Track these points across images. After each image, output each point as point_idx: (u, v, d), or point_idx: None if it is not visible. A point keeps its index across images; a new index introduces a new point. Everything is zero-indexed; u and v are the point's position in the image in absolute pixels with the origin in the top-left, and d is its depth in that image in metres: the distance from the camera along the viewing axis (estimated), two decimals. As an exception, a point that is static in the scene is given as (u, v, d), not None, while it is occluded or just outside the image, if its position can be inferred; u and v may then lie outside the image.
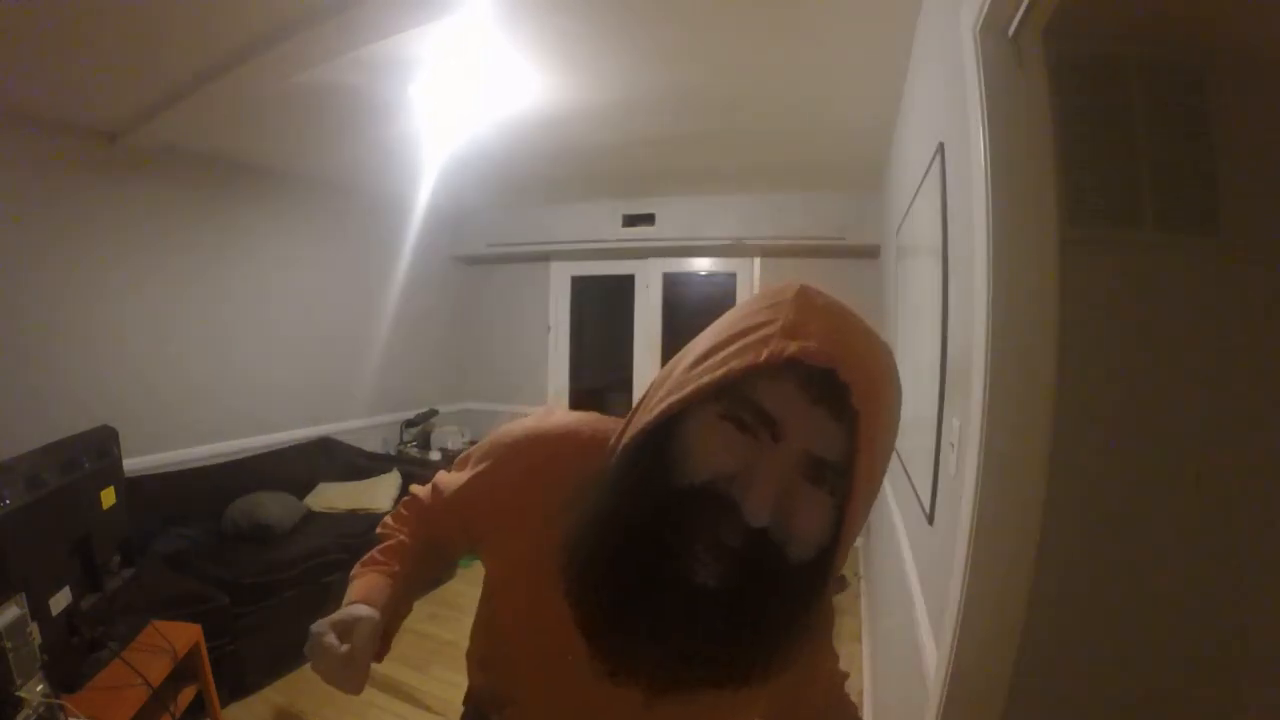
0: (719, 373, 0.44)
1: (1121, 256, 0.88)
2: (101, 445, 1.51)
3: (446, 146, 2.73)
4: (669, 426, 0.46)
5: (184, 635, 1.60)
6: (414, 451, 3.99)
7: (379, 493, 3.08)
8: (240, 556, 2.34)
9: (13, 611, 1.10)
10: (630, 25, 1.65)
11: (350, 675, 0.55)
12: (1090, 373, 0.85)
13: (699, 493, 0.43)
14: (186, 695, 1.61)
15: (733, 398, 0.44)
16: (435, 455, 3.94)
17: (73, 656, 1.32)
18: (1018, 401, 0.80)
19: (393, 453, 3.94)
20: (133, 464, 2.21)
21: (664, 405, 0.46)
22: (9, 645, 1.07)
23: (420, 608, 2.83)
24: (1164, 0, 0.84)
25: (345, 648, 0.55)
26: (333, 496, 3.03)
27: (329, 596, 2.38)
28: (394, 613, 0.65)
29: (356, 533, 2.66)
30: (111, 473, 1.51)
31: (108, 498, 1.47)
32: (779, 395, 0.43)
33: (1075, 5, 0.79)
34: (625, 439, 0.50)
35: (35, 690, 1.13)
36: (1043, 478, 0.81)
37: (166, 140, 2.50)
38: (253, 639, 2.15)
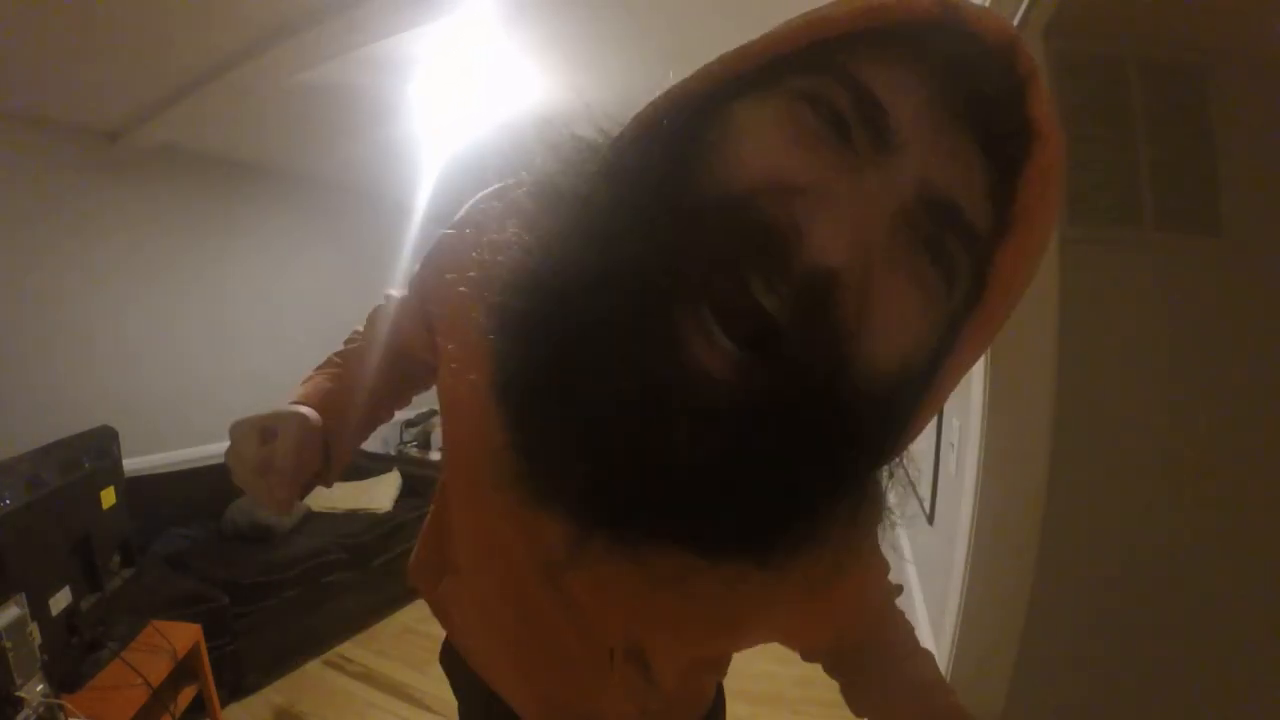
0: (814, 17, 0.27)
1: (1121, 256, 0.88)
2: (101, 445, 1.51)
3: (446, 146, 2.73)
4: (706, 108, 0.29)
5: (184, 635, 1.60)
6: (414, 451, 3.99)
7: (379, 493, 3.08)
8: (240, 556, 2.33)
9: (13, 611, 1.10)
10: (630, 25, 1.65)
11: (269, 485, 0.44)
12: (1090, 373, 0.85)
13: (734, 209, 0.25)
14: (186, 695, 1.61)
15: (830, 73, 0.27)
16: (435, 455, 3.94)
17: (73, 656, 1.32)
18: (1018, 401, 0.80)
19: (393, 452, 3.94)
20: (133, 464, 2.21)
21: (713, 64, 0.31)
22: (9, 645, 1.07)
23: (420, 607, 2.83)
24: (1164, 0, 0.84)
25: (264, 449, 0.45)
26: (333, 496, 3.02)
27: (329, 596, 2.39)
28: (339, 417, 0.52)
29: (357, 533, 2.65)
30: (111, 473, 1.51)
31: (108, 498, 1.47)
32: (903, 84, 0.25)
33: (1075, 5, 0.79)
34: (629, 125, 0.33)
35: (35, 690, 1.13)
36: (1043, 478, 0.81)
37: (166, 140, 2.49)
38: (253, 639, 2.15)
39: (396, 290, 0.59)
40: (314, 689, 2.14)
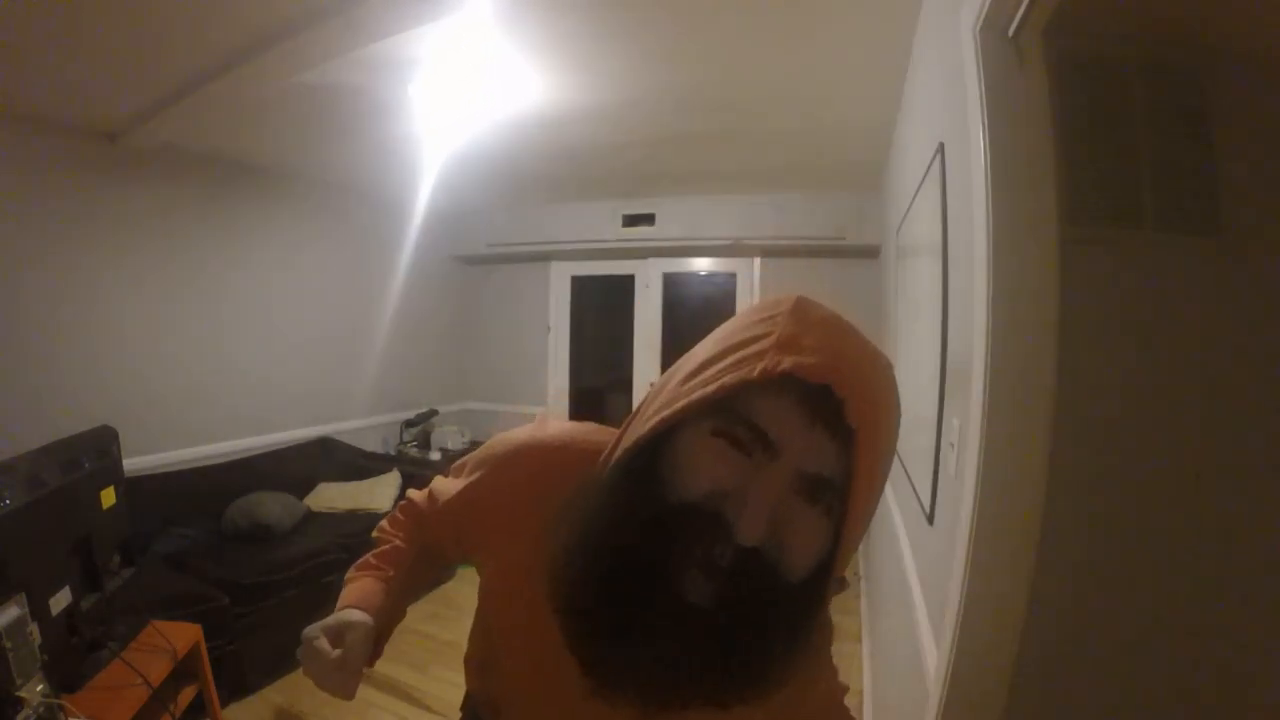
0: (712, 387, 0.43)
1: (1121, 256, 0.88)
2: (101, 445, 1.51)
3: (446, 146, 2.73)
4: (662, 442, 0.45)
5: (184, 635, 1.60)
6: (414, 451, 3.99)
7: (379, 493, 3.08)
8: (240, 556, 2.34)
9: (13, 611, 1.10)
10: (630, 25, 1.65)
11: (342, 680, 0.55)
12: (1090, 373, 0.85)
13: (691, 510, 0.42)
14: (186, 695, 1.61)
15: (727, 414, 0.43)
16: (435, 455, 3.94)
17: (73, 656, 1.32)
18: (1018, 401, 0.80)
19: (393, 453, 3.94)
20: (133, 464, 2.21)
21: (656, 420, 0.45)
22: (9, 645, 1.07)
23: (420, 607, 2.84)
24: (1164, 0, 0.84)
25: (337, 653, 0.55)
26: (333, 496, 3.03)
27: (329, 596, 2.35)
28: (388, 618, 0.65)
29: (356, 533, 2.66)
30: (111, 473, 1.51)
31: (108, 498, 1.47)
32: (774, 411, 0.42)
33: (1075, 5, 0.79)
34: (617, 454, 0.49)
35: (35, 690, 1.13)
36: (1043, 478, 0.81)
37: (166, 140, 2.49)
38: (253, 639, 2.15)
39: (416, 493, 0.73)
40: (314, 689, 2.14)
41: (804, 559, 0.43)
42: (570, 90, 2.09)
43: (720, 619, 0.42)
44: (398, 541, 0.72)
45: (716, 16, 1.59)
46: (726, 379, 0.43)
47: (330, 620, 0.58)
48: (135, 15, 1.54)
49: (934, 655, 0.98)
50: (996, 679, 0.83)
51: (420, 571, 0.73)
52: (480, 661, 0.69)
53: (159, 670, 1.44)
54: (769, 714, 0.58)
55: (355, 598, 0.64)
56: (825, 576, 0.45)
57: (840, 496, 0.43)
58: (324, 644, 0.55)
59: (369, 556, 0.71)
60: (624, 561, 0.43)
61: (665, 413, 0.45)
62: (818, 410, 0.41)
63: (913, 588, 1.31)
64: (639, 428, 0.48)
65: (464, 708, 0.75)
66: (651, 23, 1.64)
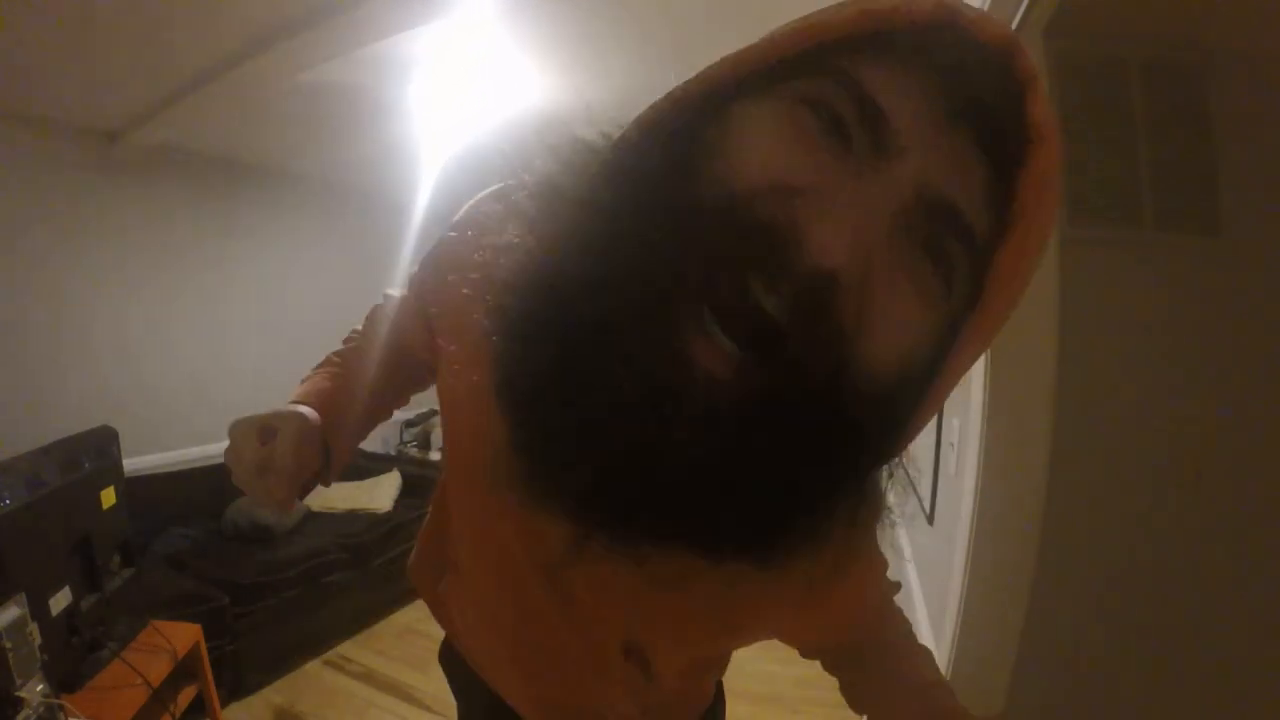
0: (814, 20, 0.28)
1: (1121, 256, 0.88)
2: (101, 445, 1.51)
3: (446, 146, 2.73)
4: (707, 109, 0.29)
5: (184, 635, 1.60)
6: (414, 451, 3.99)
7: (379, 493, 3.08)
8: (240, 556, 2.33)
9: (13, 611, 1.10)
10: (631, 25, 1.65)
11: (268, 485, 0.45)
12: (1090, 373, 0.86)
13: (736, 211, 0.25)
14: (186, 695, 1.61)
15: (831, 76, 0.27)
16: (435, 455, 3.94)
17: (73, 656, 1.32)
18: (1018, 401, 0.80)
19: (392, 453, 3.94)
20: (133, 464, 2.21)
21: (715, 69, 0.30)
22: (9, 645, 1.07)
23: (421, 607, 2.82)
24: (1164, 0, 0.84)
25: (263, 449, 0.45)
26: (332, 496, 3.02)
27: (329, 596, 2.39)
28: (345, 419, 0.53)
29: (356, 532, 2.65)
30: (111, 473, 1.51)
31: (108, 498, 1.47)
32: (903, 88, 0.26)
33: (1075, 5, 0.79)
34: (630, 129, 0.33)
35: (35, 690, 1.13)
36: (1043, 478, 0.81)
37: (166, 140, 2.49)
38: (253, 639, 2.15)
39: (396, 290, 0.59)
40: (314, 689, 2.14)
41: (894, 345, 0.27)
42: (570, 90, 2.09)
43: (745, 409, 0.25)
44: (360, 341, 0.61)
45: (717, 16, 1.59)
46: (848, 9, 0.27)
47: (262, 414, 0.48)
48: (135, 15, 1.54)
49: (934, 654, 0.98)
50: (996, 679, 0.83)
51: (388, 371, 0.59)
52: (429, 523, 0.59)
53: (159, 670, 1.44)
54: (785, 588, 0.40)
55: (301, 394, 0.53)
56: (917, 395, 0.29)
57: (977, 260, 0.27)
58: (248, 440, 0.45)
59: (330, 354, 0.61)
60: (605, 284, 0.26)
61: (729, 60, 0.30)
62: (974, 104, 0.25)
63: (913, 587, 1.31)
64: (673, 91, 0.31)
65: (441, 654, 0.68)
66: (652, 22, 1.64)
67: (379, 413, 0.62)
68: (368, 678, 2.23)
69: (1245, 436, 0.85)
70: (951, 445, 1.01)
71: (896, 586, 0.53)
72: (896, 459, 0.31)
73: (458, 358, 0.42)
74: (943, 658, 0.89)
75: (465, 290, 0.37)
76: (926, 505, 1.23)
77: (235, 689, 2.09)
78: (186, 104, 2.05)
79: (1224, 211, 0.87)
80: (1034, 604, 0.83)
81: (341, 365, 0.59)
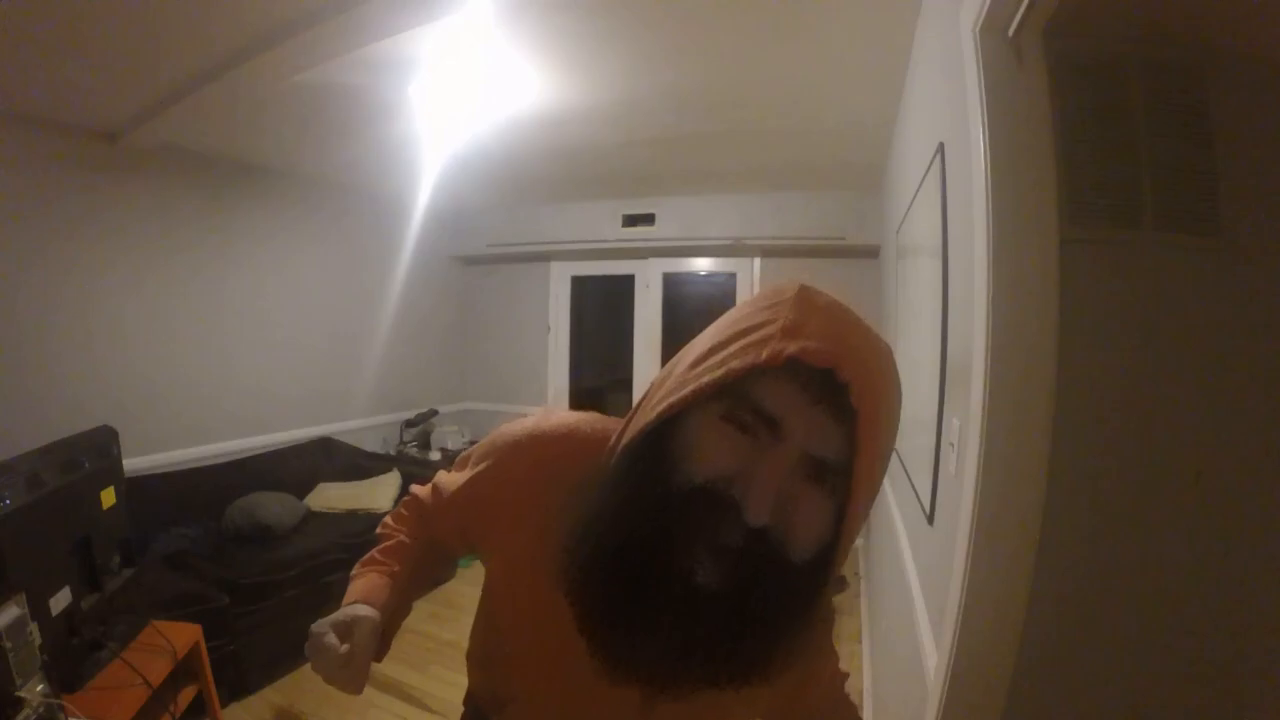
0: (719, 373, 0.44)
1: (1121, 256, 0.88)
2: (101, 445, 1.51)
3: (446, 146, 2.73)
4: (669, 427, 0.46)
5: (184, 635, 1.60)
6: (414, 451, 3.99)
7: (379, 493, 3.08)
8: (240, 556, 2.34)
9: (13, 611, 1.10)
10: (630, 25, 1.65)
11: (350, 675, 0.56)
12: (1090, 373, 0.85)
13: (699, 493, 0.43)
14: (186, 695, 1.61)
15: (733, 398, 0.44)
16: (435, 455, 3.95)
17: (73, 656, 1.32)
18: (1018, 401, 0.80)
19: (393, 453, 3.94)
20: (133, 464, 2.21)
21: (663, 405, 0.46)
22: (9, 645, 1.07)
23: (421, 607, 2.83)
24: (1164, 0, 0.84)
25: (345, 648, 0.55)
26: (333, 496, 3.03)
27: (329, 596, 2.38)
28: (394, 613, 0.65)
29: (356, 533, 2.66)
30: (111, 473, 1.51)
31: (108, 498, 1.47)
32: (779, 395, 0.43)
33: (1075, 5, 0.79)
34: (625, 439, 0.50)
35: (35, 690, 1.13)
36: (1043, 478, 0.81)
37: (166, 140, 2.50)
38: (253, 639, 2.15)
39: (421, 488, 0.73)
40: (314, 689, 2.14)
41: (809, 539, 0.44)
42: (570, 90, 2.09)
43: (729, 599, 0.42)
44: (402, 537, 0.72)
45: (717, 16, 1.59)
46: (734, 364, 0.44)
47: (338, 615, 0.59)
48: (135, 15, 1.54)
49: (934, 655, 0.98)
50: (996, 679, 0.83)
51: (425, 566, 0.73)
52: (484, 655, 0.69)
53: (159, 670, 1.44)
54: (773, 697, 0.60)
55: (362, 593, 0.64)
56: (830, 558, 0.46)
57: (844, 478, 0.44)
58: (333, 639, 0.56)
59: (374, 552, 0.71)
60: (632, 544, 0.44)
61: (672, 398, 0.46)
62: (822, 394, 0.42)
63: (913, 588, 1.31)
64: (646, 414, 0.48)
65: (466, 703, 0.75)
66: (652, 22, 1.64)
67: (416, 596, 0.75)
68: (371, 675, 2.23)
69: (1245, 437, 0.85)
70: (951, 445, 1.01)
71: (846, 675, 0.72)
72: (827, 585, 0.48)
73: (511, 564, 0.58)
74: (943, 658, 0.89)
75: (531, 493, 0.56)
76: (926, 506, 1.23)
77: (235, 689, 2.09)
78: (186, 104, 2.05)
79: (1224, 211, 0.87)
80: (1034, 604, 0.83)
81: (385, 563, 0.70)
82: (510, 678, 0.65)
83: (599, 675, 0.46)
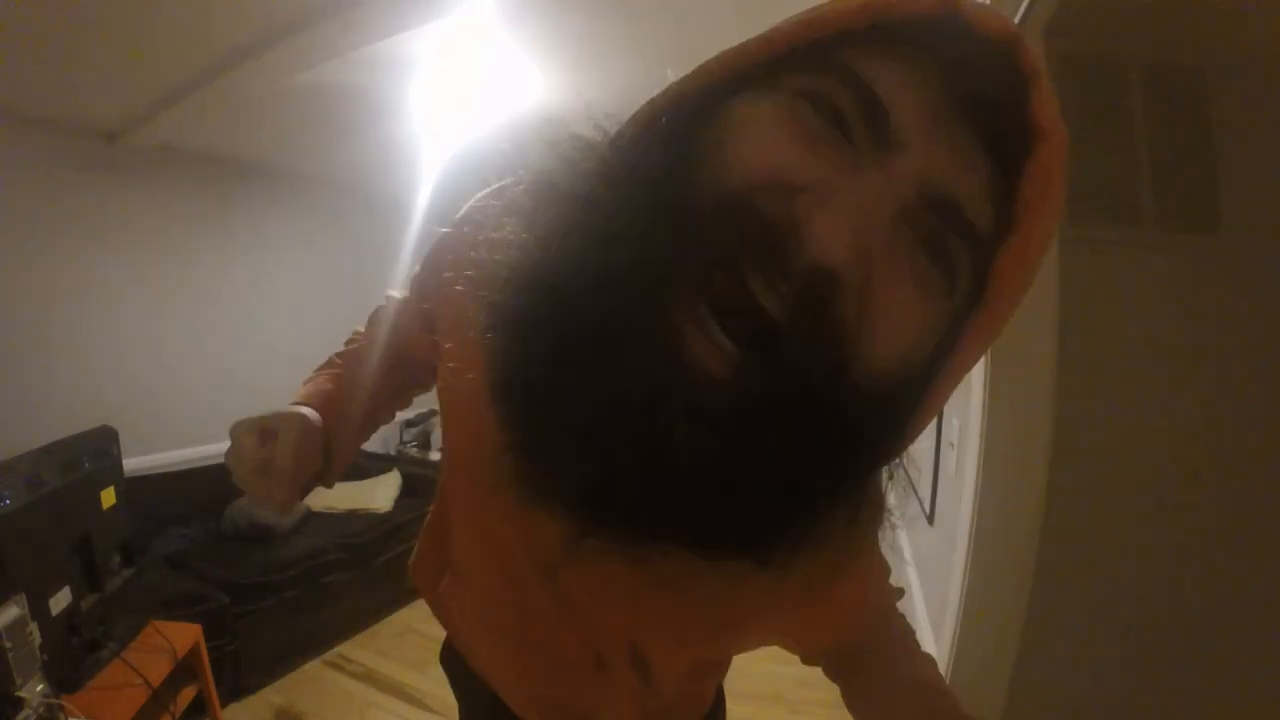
0: (813, 14, 0.27)
1: (1121, 256, 0.88)
2: (101, 445, 1.51)
3: (446, 146, 2.73)
4: (705, 106, 0.29)
5: (184, 635, 1.60)
6: (414, 451, 3.99)
7: (379, 493, 3.08)
8: (240, 556, 2.33)
9: (13, 611, 1.10)
10: (632, 24, 1.65)
11: (268, 486, 0.45)
12: (1090, 373, 0.85)
13: (734, 206, 0.25)
14: (186, 695, 1.61)
15: (825, 68, 0.27)
16: (435, 455, 3.94)
17: (73, 656, 1.32)
18: (1018, 401, 0.80)
19: (392, 453, 3.93)
20: (133, 464, 2.20)
21: (702, 68, 0.30)
22: (9, 645, 1.07)
23: (421, 606, 2.83)
24: (1164, 0, 0.84)
25: (263, 452, 0.45)
26: (332, 496, 3.02)
27: (329, 596, 2.39)
28: (341, 417, 0.53)
29: (356, 533, 2.65)
30: (111, 473, 1.51)
31: (108, 498, 1.47)
32: (905, 81, 0.25)
33: (1075, 5, 0.79)
34: (628, 124, 0.33)
35: (35, 690, 1.13)
36: (1043, 478, 0.81)
37: (166, 140, 2.49)
38: (253, 639, 2.14)
39: (397, 290, 0.60)
40: (314, 689, 2.14)
41: (895, 341, 0.26)
42: (571, 90, 2.09)
43: (744, 405, 0.25)
44: (362, 343, 0.61)
45: (717, 16, 1.59)
46: (840, 4, 0.27)
47: (264, 415, 0.48)
48: (135, 15, 1.54)
49: (934, 655, 0.98)
50: (996, 679, 0.83)
51: (389, 372, 0.59)
52: (433, 521, 0.59)
53: (159, 670, 1.44)
54: (792, 604, 0.41)
55: (302, 395, 0.53)
56: (917, 394, 0.29)
57: (980, 258, 0.27)
58: (249, 440, 0.46)
59: (333, 355, 0.62)
60: (601, 280, 0.26)
61: (716, 61, 0.30)
62: (977, 100, 0.25)
63: (913, 587, 1.31)
64: (671, 87, 0.31)
65: (441, 654, 0.68)
66: (654, 21, 1.64)
67: (380, 414, 0.62)
68: (368, 678, 2.23)
69: (1245, 436, 0.85)
70: (951, 445, 1.01)
71: (899, 593, 0.53)
72: (897, 460, 0.31)
73: (454, 355, 0.41)
74: (943, 658, 0.89)
75: (461, 286, 0.35)
76: (926, 505, 1.23)
77: (235, 689, 2.09)
78: (186, 104, 2.05)
79: (1224, 211, 0.87)
80: (1034, 604, 0.83)
81: (343, 367, 0.59)
82: (450, 541, 0.53)
83: (523, 502, 0.30)
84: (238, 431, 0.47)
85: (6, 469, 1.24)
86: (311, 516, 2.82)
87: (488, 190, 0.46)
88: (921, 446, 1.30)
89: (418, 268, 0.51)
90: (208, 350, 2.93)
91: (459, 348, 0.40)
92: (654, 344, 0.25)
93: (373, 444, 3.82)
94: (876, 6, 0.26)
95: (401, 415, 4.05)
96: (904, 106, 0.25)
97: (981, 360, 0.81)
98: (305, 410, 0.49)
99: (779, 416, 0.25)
